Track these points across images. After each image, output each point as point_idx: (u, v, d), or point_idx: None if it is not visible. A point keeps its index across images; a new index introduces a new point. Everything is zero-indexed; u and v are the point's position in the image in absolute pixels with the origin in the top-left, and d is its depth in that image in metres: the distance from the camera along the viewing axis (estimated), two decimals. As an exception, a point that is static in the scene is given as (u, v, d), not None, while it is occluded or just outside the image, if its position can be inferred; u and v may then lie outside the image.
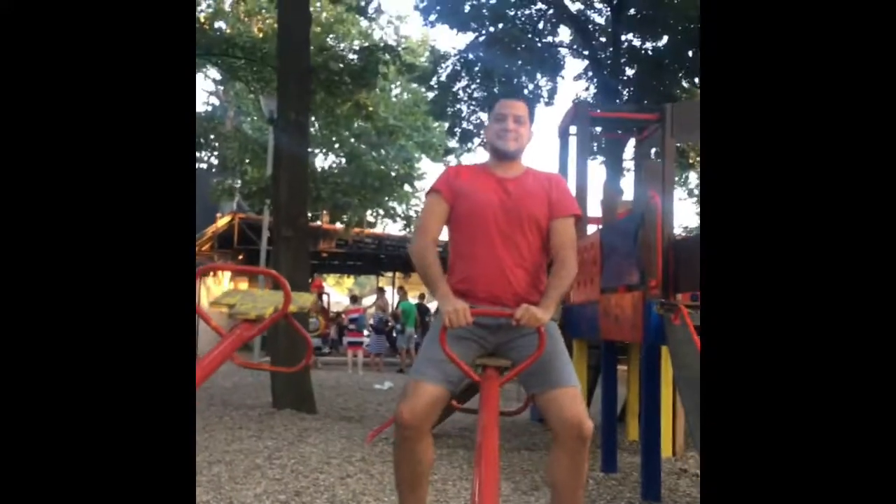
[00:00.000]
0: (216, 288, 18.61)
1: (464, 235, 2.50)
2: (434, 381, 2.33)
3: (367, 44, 14.84)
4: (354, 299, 17.36)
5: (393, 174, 18.13)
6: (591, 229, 7.20)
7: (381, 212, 19.75)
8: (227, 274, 19.36)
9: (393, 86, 20.57)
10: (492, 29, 13.09)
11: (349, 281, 35.08)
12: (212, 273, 17.86)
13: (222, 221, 16.98)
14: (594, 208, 8.28)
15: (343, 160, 19.08)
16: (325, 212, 15.44)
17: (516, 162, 2.56)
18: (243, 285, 16.01)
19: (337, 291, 31.12)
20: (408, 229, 21.19)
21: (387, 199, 17.47)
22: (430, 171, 31.73)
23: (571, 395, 2.31)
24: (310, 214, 11.55)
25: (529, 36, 13.28)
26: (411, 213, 21.13)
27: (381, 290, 18.98)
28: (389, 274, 24.50)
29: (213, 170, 18.95)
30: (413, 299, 17.38)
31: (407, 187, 20.34)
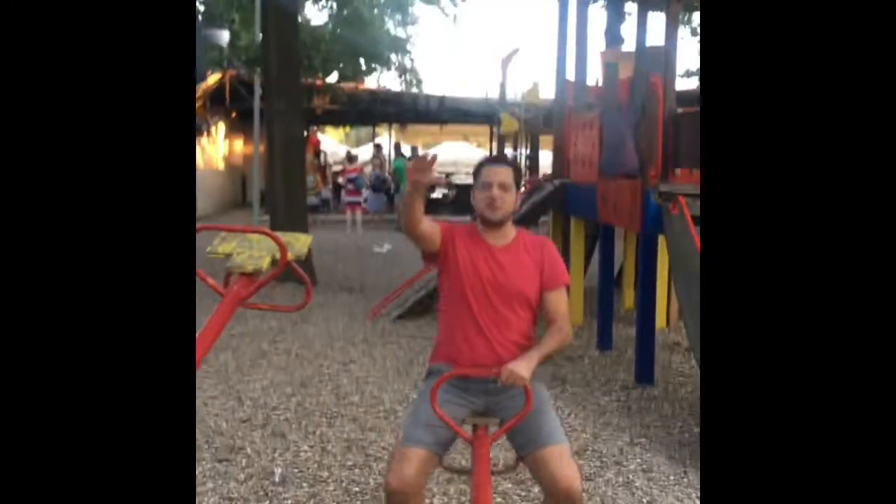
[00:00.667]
0: (210, 146, 18.43)
1: (454, 306, 2.48)
2: (423, 446, 2.31)
3: None
4: (351, 158, 17.23)
5: (386, 24, 17.48)
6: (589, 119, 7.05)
7: (376, 66, 19.19)
8: (222, 130, 19.11)
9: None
10: None
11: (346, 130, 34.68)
12: (206, 132, 17.65)
13: (213, 79, 16.55)
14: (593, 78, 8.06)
15: (334, 5, 18.32)
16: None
17: (506, 227, 2.50)
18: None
19: (333, 140, 30.79)
20: (402, 78, 20.70)
21: (379, 50, 16.91)
22: (422, 13, 30.43)
23: (559, 454, 2.29)
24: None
25: None
26: (406, 63, 20.55)
27: (377, 147, 18.81)
28: (385, 125, 24.17)
29: (200, 18, 18.24)
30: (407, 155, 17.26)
31: (400, 32, 19.67)
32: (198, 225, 2.05)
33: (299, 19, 10.28)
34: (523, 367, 2.24)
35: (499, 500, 3.31)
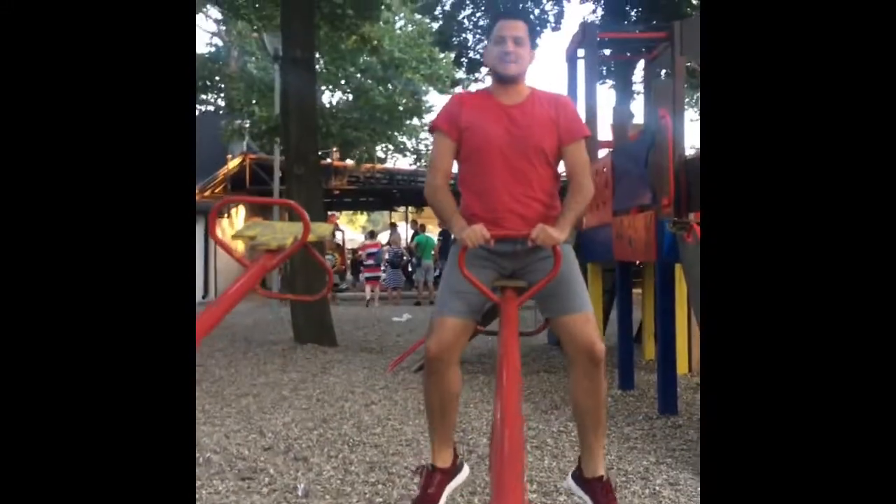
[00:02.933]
0: (231, 231, 18.75)
1: (473, 170, 2.50)
2: (457, 313, 2.38)
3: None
4: (372, 235, 17.47)
5: (400, 108, 18.02)
6: (603, 153, 7.20)
7: (391, 147, 19.72)
8: (242, 214, 19.47)
9: (397, 17, 20.26)
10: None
11: (362, 218, 35.18)
12: (226, 213, 17.99)
13: (233, 163, 17.02)
14: (605, 132, 8.25)
15: (350, 96, 18.96)
16: (335, 149, 15.42)
17: (520, 85, 2.51)
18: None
19: (350, 229, 31.27)
20: (418, 163, 21.16)
21: (395, 133, 17.40)
22: (437, 103, 31.39)
23: (584, 320, 2.36)
24: (320, 152, 11.56)
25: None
26: (421, 147, 21.08)
27: (393, 226, 19.06)
28: (402, 209, 24.53)
29: (221, 111, 18.88)
30: (432, 234, 17.43)
31: (415, 121, 20.23)
32: (224, 197, 2.13)
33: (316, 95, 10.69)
34: (555, 231, 2.27)
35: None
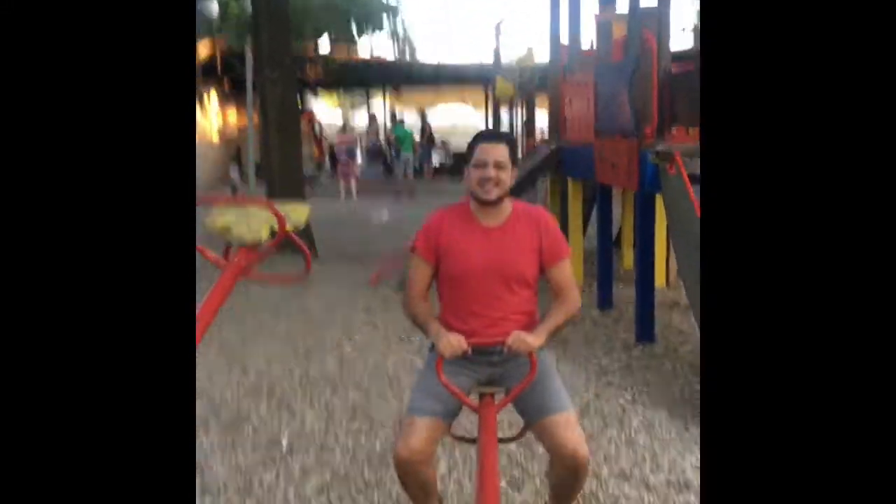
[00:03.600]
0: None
1: (452, 292, 2.43)
2: (431, 414, 2.30)
3: None
4: (345, 128, 17.17)
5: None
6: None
7: (366, 27, 19.05)
8: (215, 100, 18.96)
9: None
10: None
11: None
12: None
13: (204, 51, 16.42)
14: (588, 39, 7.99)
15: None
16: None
17: (501, 206, 2.40)
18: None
19: (329, 106, 30.57)
20: (396, 46, 20.55)
21: (372, 18, 16.79)
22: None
23: (564, 422, 2.27)
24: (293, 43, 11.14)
25: None
26: (398, 28, 20.40)
27: (372, 117, 18.73)
28: (379, 91, 24.01)
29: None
30: (409, 126, 17.16)
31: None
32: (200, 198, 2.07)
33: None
34: (530, 337, 2.22)
35: (503, 461, 3.35)
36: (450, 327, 2.33)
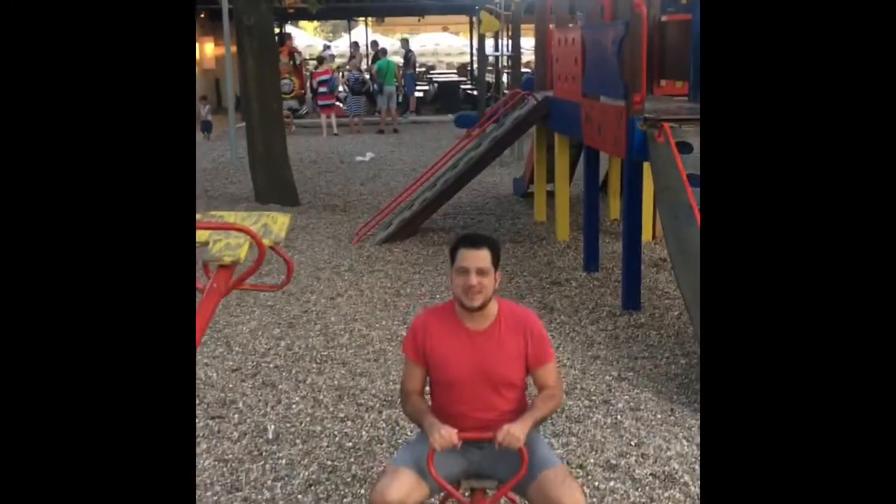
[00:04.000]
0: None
1: (440, 395, 2.42)
2: (414, 467, 2.28)
3: None
4: (321, 61, 16.72)
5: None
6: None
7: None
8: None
9: None
10: None
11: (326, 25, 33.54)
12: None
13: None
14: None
15: None
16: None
17: (486, 310, 2.37)
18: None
19: (306, 33, 29.83)
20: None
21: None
22: None
23: (557, 476, 2.26)
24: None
25: None
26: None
27: (354, 45, 18.25)
28: (361, 20, 23.42)
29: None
30: (394, 55, 16.72)
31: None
32: None
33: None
34: (519, 429, 2.21)
35: None
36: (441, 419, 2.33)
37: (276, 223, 2.51)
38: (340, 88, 17.34)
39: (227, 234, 2.40)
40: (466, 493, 2.37)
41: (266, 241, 2.38)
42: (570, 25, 6.41)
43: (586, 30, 5.63)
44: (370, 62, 17.54)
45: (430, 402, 2.49)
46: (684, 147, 4.61)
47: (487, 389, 2.35)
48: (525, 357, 2.37)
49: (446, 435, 2.19)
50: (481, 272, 2.30)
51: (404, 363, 2.51)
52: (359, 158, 12.01)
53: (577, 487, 2.28)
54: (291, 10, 16.88)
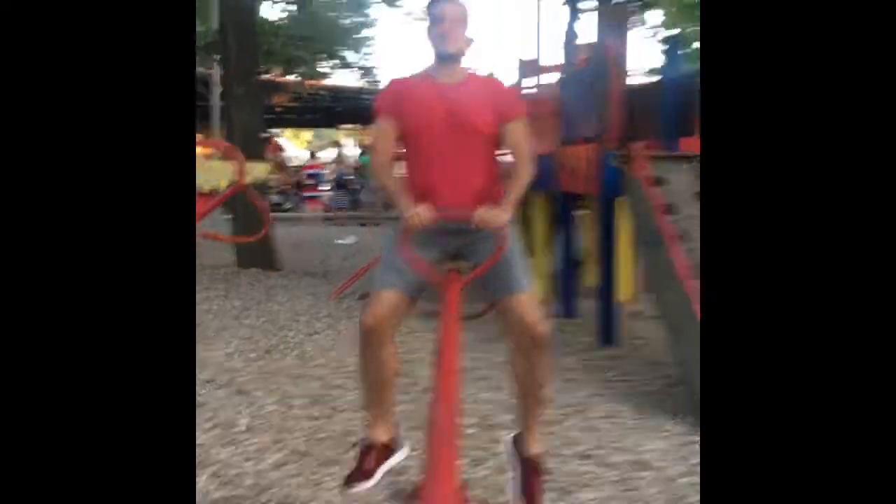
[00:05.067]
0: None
1: (414, 150, 2.51)
2: (395, 287, 2.37)
3: None
4: (313, 155, 17.19)
5: (346, 22, 17.52)
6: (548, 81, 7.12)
7: (336, 62, 19.20)
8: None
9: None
10: None
11: (308, 134, 34.47)
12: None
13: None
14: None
15: (294, 6, 18.31)
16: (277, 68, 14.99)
17: (457, 66, 2.53)
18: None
19: (295, 146, 30.65)
20: (364, 80, 20.70)
21: (339, 48, 16.95)
22: (383, 16, 30.25)
23: (526, 301, 2.36)
24: (261, 68, 11.20)
25: None
26: (366, 62, 20.57)
27: (336, 144, 18.77)
28: (348, 126, 24.13)
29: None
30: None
31: (364, 32, 19.70)
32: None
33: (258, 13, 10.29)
34: (498, 211, 2.28)
35: (466, 443, 3.33)
36: (416, 193, 2.39)
37: (257, 168, 2.60)
38: (327, 187, 17.72)
39: (207, 170, 2.49)
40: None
41: (247, 178, 2.46)
42: (546, 86, 6.71)
43: (562, 83, 5.91)
44: (358, 157, 18.00)
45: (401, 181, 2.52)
46: (660, 181, 4.75)
47: (460, 138, 2.39)
48: (494, 107, 2.43)
49: (422, 212, 2.21)
50: (454, 20, 2.44)
51: (376, 128, 2.54)
52: (339, 241, 12.14)
53: (543, 316, 2.33)
54: (279, 109, 17.43)
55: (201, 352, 4.87)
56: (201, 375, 4.34)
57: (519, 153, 2.50)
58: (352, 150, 19.89)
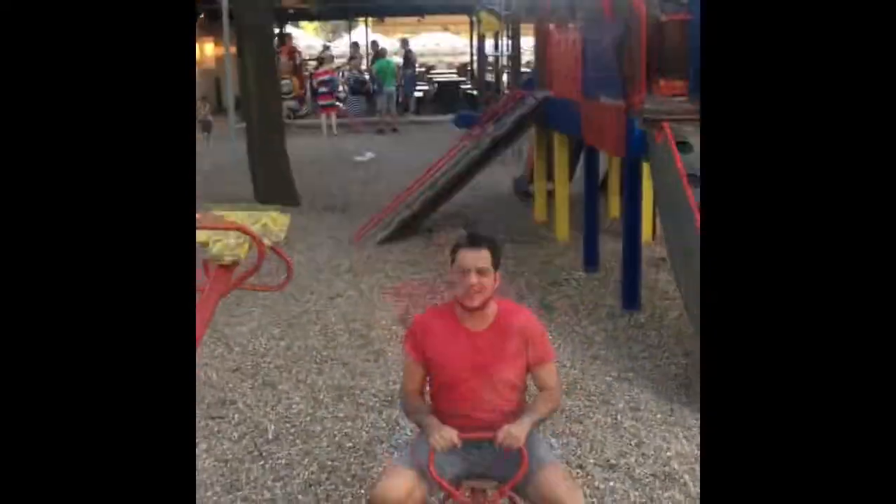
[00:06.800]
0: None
1: (440, 396, 2.44)
2: (414, 467, 2.30)
3: None
4: (321, 61, 16.71)
5: None
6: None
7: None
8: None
9: None
10: None
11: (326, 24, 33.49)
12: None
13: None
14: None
15: None
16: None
17: (486, 310, 2.40)
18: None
19: (309, 35, 29.82)
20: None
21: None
22: None
23: (554, 472, 2.30)
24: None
25: None
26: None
27: (354, 46, 18.25)
28: (362, 20, 23.39)
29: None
30: (393, 56, 16.65)
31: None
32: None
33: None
34: (518, 429, 2.23)
35: None
36: (442, 416, 2.35)
37: (276, 223, 2.51)
38: (340, 89, 17.33)
39: (226, 233, 2.40)
40: (467, 494, 2.37)
41: (266, 242, 2.38)
42: (570, 26, 6.40)
43: (585, 30, 5.63)
44: (370, 63, 17.53)
45: (429, 403, 2.50)
46: (684, 146, 4.60)
47: (487, 390, 2.36)
48: (525, 357, 2.39)
49: (447, 435, 2.21)
50: (481, 272, 2.33)
51: (404, 362, 2.52)
52: (357, 158, 12.00)
53: (576, 486, 2.30)
54: (291, 11, 16.87)
55: (223, 328, 4.90)
56: (227, 363, 4.39)
57: (547, 392, 2.43)
58: (366, 50, 19.33)
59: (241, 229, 2.26)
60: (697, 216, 4.18)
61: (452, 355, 2.37)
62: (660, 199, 4.65)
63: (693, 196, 4.31)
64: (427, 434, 2.25)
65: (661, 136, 4.64)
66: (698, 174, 4.38)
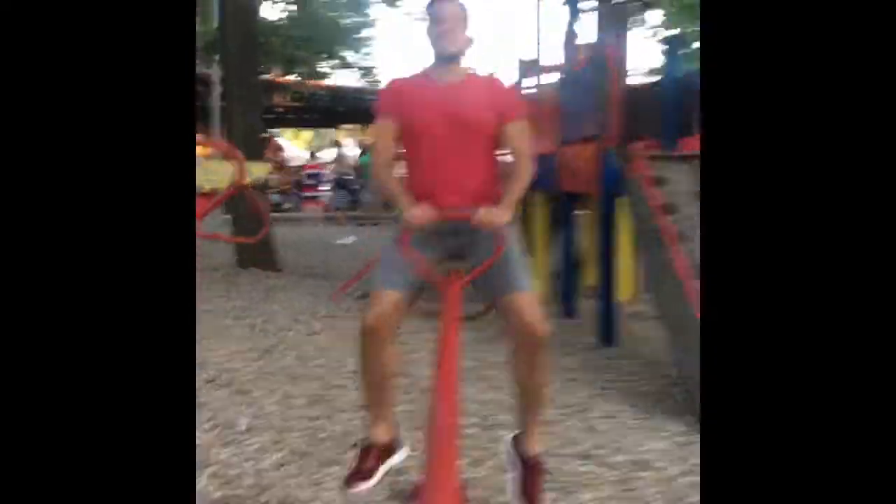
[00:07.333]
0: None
1: (415, 150, 2.52)
2: (395, 287, 2.38)
3: None
4: (313, 156, 17.16)
5: (346, 22, 17.49)
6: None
7: (336, 62, 19.20)
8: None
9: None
10: None
11: (308, 134, 34.47)
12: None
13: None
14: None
15: (294, 7, 18.29)
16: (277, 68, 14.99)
17: (457, 65, 2.54)
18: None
19: (294, 146, 30.61)
20: (364, 80, 20.71)
21: (339, 48, 16.91)
22: (383, 16, 30.17)
23: (526, 300, 2.37)
24: (261, 68, 11.21)
25: None
26: (366, 62, 20.55)
27: (337, 144, 18.73)
28: (349, 126, 24.09)
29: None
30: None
31: (364, 32, 19.69)
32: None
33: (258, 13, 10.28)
34: (498, 211, 2.28)
35: (466, 444, 3.33)
36: (415, 193, 2.39)
37: (257, 168, 2.60)
38: (327, 186, 17.70)
39: (206, 171, 2.49)
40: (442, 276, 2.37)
41: (247, 178, 2.46)
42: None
43: (562, 83, 5.90)
44: (358, 157, 17.97)
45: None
46: (661, 181, 4.76)
47: (460, 138, 2.39)
48: (494, 107, 2.43)
49: (422, 211, 2.22)
50: (454, 20, 2.45)
51: (377, 128, 2.55)
52: (340, 241, 12.14)
53: (543, 316, 2.36)
54: (280, 109, 17.41)
55: (201, 352, 4.87)
56: (202, 376, 4.34)
57: (519, 153, 2.50)
58: (352, 149, 19.87)
59: (229, 148, 2.35)
60: (674, 245, 4.26)
61: (425, 103, 2.44)
62: (637, 227, 4.76)
63: (666, 223, 4.42)
64: (402, 210, 2.26)
65: (636, 171, 4.81)
66: (674, 203, 4.52)
